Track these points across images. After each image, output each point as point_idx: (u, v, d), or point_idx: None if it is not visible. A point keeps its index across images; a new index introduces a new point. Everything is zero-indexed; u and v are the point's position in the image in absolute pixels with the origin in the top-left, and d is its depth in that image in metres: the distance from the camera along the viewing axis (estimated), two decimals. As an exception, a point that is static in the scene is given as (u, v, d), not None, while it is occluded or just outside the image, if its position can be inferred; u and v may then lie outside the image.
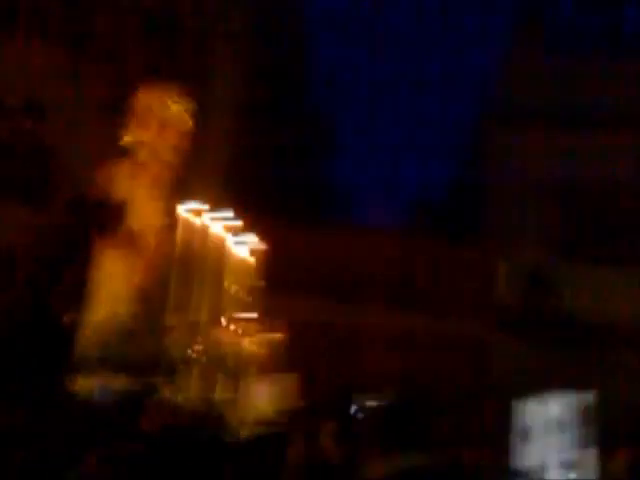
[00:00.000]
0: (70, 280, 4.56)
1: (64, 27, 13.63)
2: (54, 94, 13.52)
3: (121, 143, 4.87)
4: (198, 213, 4.66)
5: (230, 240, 4.87)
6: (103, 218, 4.66)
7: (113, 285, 4.71)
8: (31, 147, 13.61)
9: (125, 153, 4.93)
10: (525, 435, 11.96)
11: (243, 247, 5.03)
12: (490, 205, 13.67)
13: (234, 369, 4.68)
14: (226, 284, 4.84)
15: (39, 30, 13.39)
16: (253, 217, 5.18)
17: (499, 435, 11.98)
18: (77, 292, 4.58)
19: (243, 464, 4.27)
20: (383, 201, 14.80)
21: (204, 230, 4.73)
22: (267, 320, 4.95)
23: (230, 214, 4.74)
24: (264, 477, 4.13)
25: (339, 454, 4.65)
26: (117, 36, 14.00)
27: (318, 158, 15.63)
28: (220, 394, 4.71)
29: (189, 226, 4.67)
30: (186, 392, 4.61)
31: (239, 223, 4.79)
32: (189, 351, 4.61)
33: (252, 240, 5.03)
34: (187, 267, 4.63)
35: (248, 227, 5.00)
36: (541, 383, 12.22)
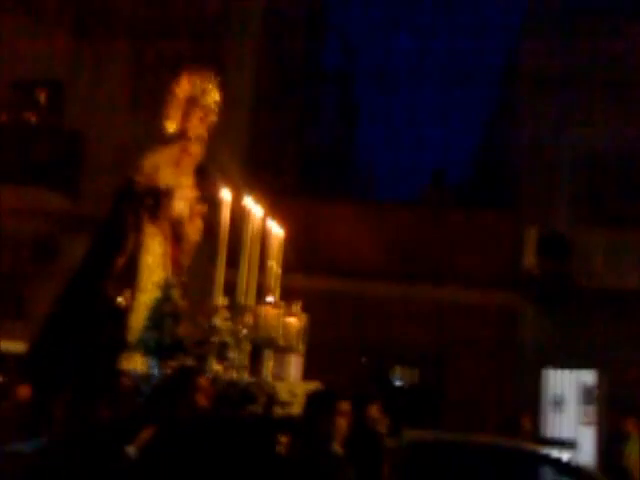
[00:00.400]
0: (121, 264, 4.74)
1: (89, 15, 13.73)
2: (80, 81, 13.68)
3: (165, 132, 5.01)
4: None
5: (270, 222, 5.04)
6: (151, 204, 4.83)
7: (162, 268, 4.90)
8: (58, 133, 13.78)
9: (167, 140, 5.08)
10: (558, 404, 12.07)
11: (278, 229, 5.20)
12: (518, 175, 13.64)
13: (282, 346, 4.87)
14: (270, 264, 5.01)
15: (65, 18, 13.50)
16: (275, 197, 5.30)
17: (531, 404, 12.10)
18: (128, 275, 4.77)
19: (294, 437, 4.44)
20: (406, 174, 14.86)
21: (247, 212, 4.89)
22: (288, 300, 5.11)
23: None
24: (315, 447, 4.30)
25: (386, 424, 4.82)
26: (138, 22, 14.07)
27: (340, 132, 15.62)
28: (269, 370, 4.90)
29: (232, 209, 4.84)
30: (237, 369, 4.80)
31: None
32: (238, 330, 4.80)
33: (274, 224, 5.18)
34: (232, 249, 4.80)
35: (271, 207, 5.14)
36: (570, 353, 12.29)
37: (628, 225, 12.69)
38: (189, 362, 4.68)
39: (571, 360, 12.37)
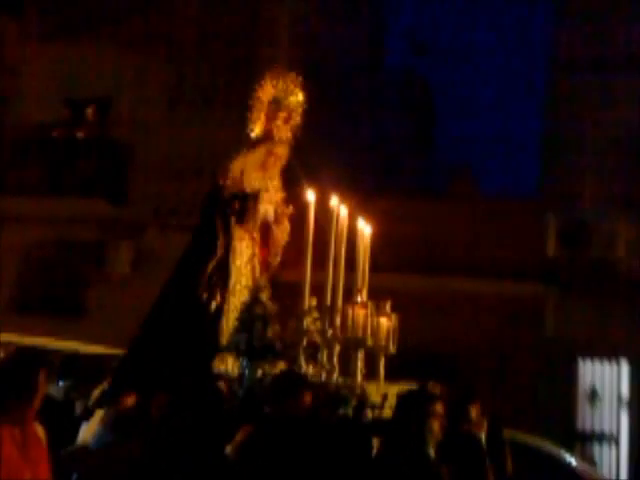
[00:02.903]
0: (213, 267, 4.45)
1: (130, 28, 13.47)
2: (124, 92, 13.45)
3: (250, 135, 4.71)
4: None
5: (361, 222, 4.72)
6: (239, 208, 4.54)
7: (250, 271, 4.61)
8: (104, 144, 13.61)
9: (252, 144, 4.77)
10: (592, 398, 11.58)
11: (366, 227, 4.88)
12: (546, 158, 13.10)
13: (372, 347, 4.54)
14: (359, 264, 4.69)
15: (110, 32, 13.25)
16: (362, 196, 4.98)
17: (564, 397, 11.64)
18: (219, 278, 4.48)
19: (386, 440, 4.12)
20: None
21: (335, 214, 4.57)
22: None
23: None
24: (408, 451, 3.97)
25: (485, 426, 4.48)
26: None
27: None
28: (361, 372, 4.58)
29: (320, 210, 4.53)
30: (327, 371, 4.48)
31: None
32: (328, 332, 4.48)
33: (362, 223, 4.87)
34: (320, 250, 4.49)
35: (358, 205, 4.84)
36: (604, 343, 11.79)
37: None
38: (280, 365, 4.38)
39: (605, 350, 11.89)
